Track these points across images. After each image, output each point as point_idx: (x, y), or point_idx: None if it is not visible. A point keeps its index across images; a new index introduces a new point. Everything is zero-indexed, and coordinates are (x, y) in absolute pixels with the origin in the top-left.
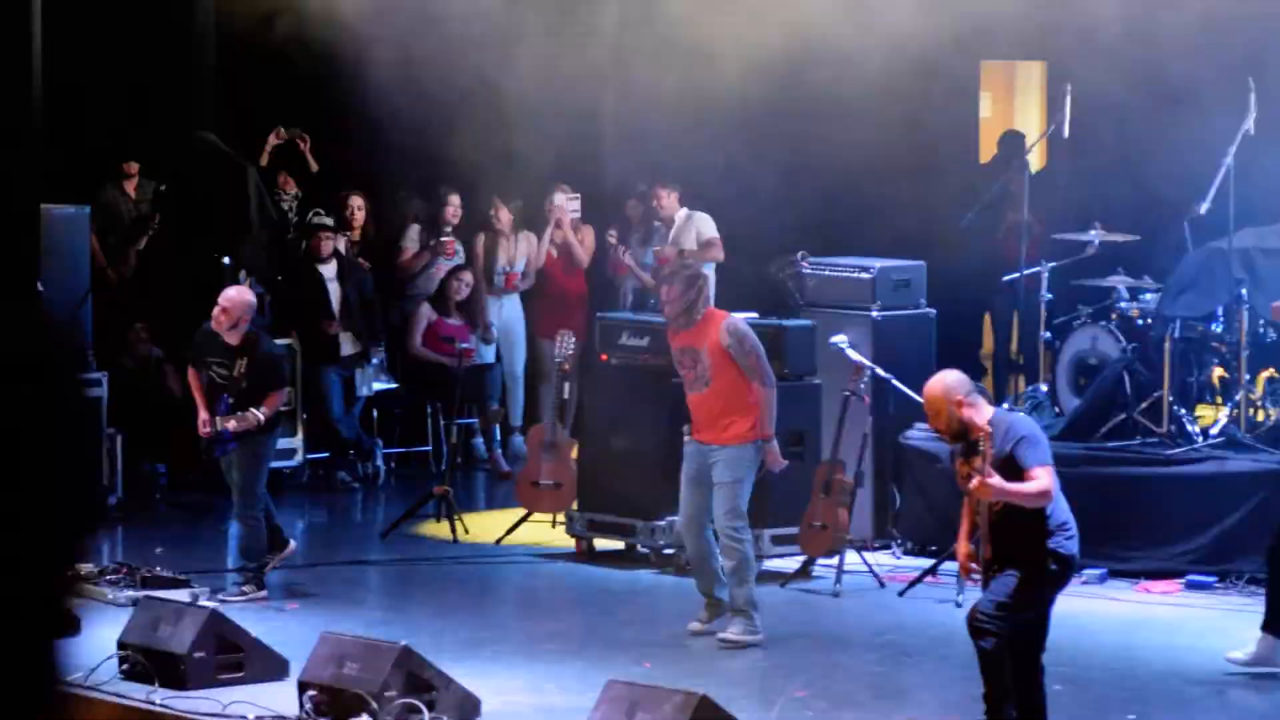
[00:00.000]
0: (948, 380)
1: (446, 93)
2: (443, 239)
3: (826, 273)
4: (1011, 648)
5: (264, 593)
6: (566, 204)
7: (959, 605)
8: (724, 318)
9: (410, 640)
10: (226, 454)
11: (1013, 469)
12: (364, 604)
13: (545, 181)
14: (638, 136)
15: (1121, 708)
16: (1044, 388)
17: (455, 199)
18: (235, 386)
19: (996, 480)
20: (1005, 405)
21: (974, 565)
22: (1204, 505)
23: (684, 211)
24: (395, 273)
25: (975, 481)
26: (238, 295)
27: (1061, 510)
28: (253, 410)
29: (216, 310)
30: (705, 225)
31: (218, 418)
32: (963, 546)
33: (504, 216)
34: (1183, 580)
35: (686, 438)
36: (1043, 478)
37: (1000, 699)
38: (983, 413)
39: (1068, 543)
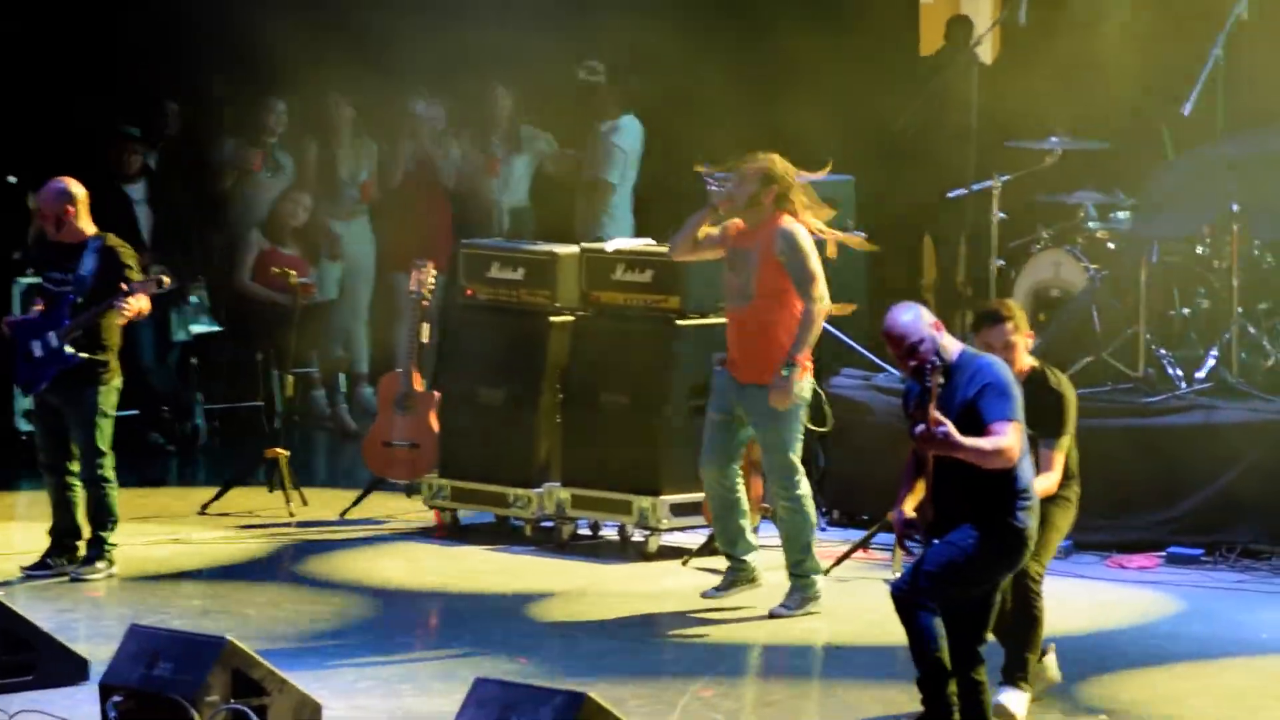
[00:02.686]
0: (910, 313)
1: None
2: (249, 150)
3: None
4: (948, 632)
5: (116, 568)
6: (427, 113)
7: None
8: (783, 221)
9: (237, 634)
10: (49, 382)
11: (974, 421)
12: (181, 591)
13: (397, 82)
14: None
15: (1092, 705)
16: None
17: (280, 105)
18: (82, 287)
19: (948, 429)
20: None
21: (914, 531)
22: (1188, 464)
23: (620, 121)
24: (211, 194)
25: (921, 428)
26: (48, 188)
27: (1024, 474)
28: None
29: (36, 216)
30: (606, 158)
31: (53, 333)
32: (904, 509)
33: (345, 115)
34: (1163, 554)
35: (717, 367)
36: (1007, 434)
37: (937, 683)
38: (949, 347)
39: (1023, 514)
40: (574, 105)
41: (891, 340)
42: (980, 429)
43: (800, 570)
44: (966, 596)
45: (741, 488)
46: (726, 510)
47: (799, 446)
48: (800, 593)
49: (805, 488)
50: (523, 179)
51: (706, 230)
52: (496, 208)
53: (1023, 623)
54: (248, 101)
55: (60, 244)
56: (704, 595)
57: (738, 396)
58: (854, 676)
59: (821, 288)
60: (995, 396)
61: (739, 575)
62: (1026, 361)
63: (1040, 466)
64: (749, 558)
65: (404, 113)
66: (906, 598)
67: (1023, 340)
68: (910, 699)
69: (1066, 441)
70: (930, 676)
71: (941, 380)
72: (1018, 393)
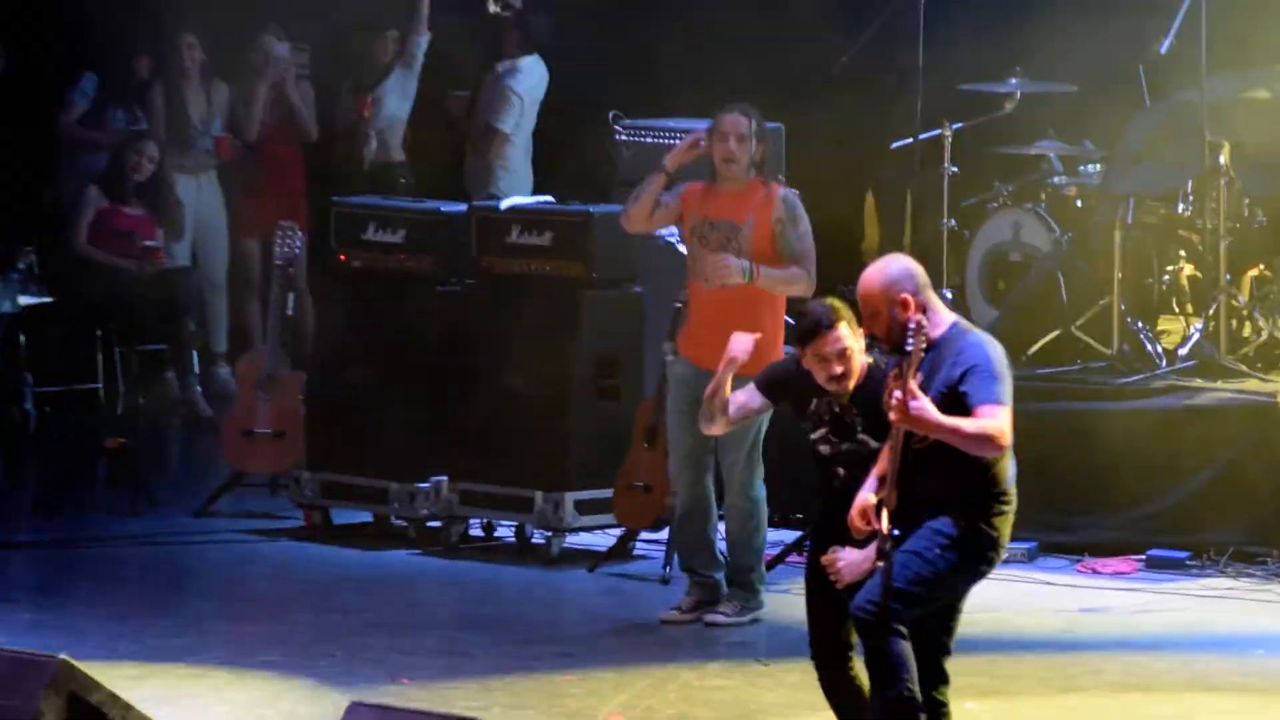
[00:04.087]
0: (891, 270)
1: None
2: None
3: (649, 140)
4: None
5: None
6: (292, 55)
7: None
8: (779, 187)
9: (73, 651)
10: None
11: (958, 407)
12: (8, 601)
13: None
14: None
15: None
16: (949, 294)
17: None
18: None
19: (922, 404)
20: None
21: (866, 521)
22: (1170, 454)
23: (520, 63)
24: (56, 138)
25: (894, 399)
26: None
27: (1005, 474)
28: None
29: None
30: (500, 103)
31: None
32: (864, 496)
33: (197, 56)
34: (1142, 557)
35: (670, 357)
36: (995, 418)
37: (904, 710)
38: (936, 318)
39: (997, 520)
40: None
41: (867, 303)
42: (965, 415)
43: (748, 580)
44: (930, 611)
45: (712, 497)
46: (700, 522)
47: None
48: (743, 601)
49: (763, 489)
50: (395, 97)
51: (656, 198)
52: (368, 141)
53: None
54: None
55: None
56: (661, 618)
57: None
58: (787, 697)
59: (813, 267)
60: (983, 378)
61: (706, 593)
62: (862, 360)
63: None
64: (717, 575)
65: (259, 54)
66: (878, 620)
67: (858, 342)
68: None
69: None
70: (903, 711)
71: (925, 345)
72: (1009, 375)
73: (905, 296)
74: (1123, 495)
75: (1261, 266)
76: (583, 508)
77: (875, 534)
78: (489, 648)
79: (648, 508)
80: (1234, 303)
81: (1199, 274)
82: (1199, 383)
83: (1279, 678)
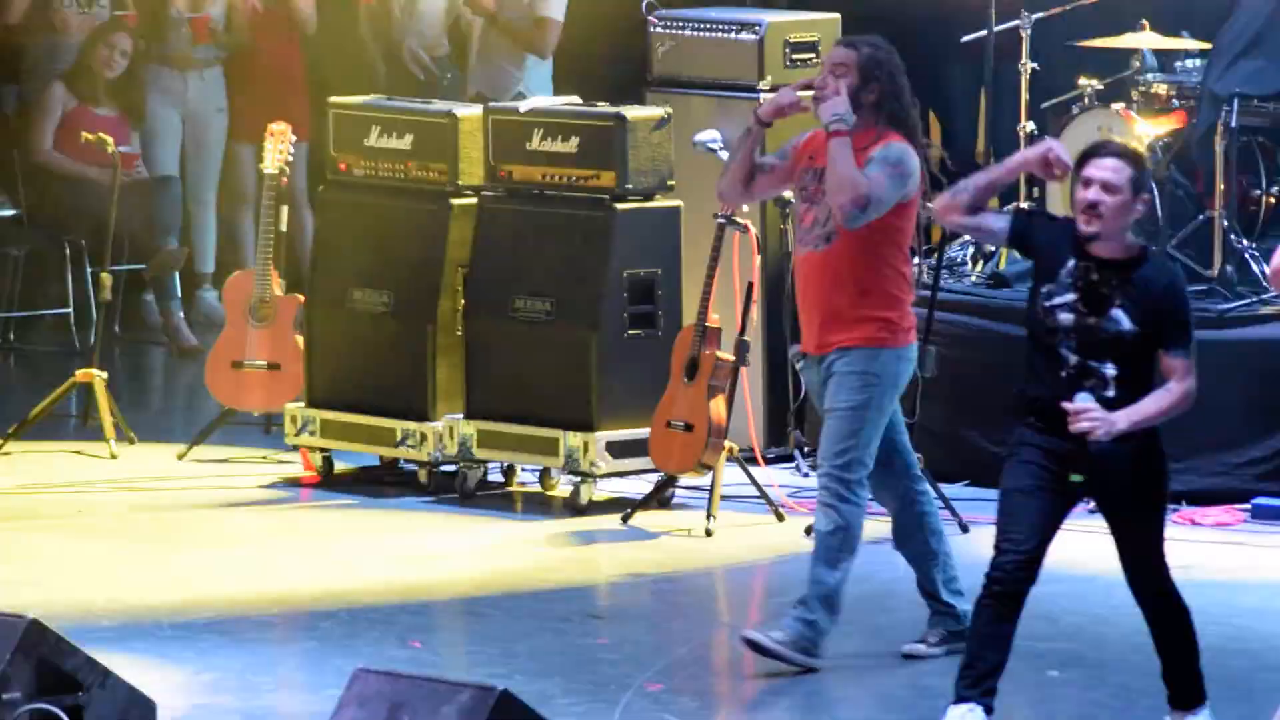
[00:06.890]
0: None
1: None
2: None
3: (689, 32)
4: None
5: None
6: None
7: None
8: (895, 138)
9: (42, 612)
10: None
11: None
12: None
13: None
14: None
15: (1154, 707)
16: (1026, 206)
17: None
18: None
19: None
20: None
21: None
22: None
23: None
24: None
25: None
26: None
27: None
28: None
29: None
30: None
31: None
32: None
33: None
34: (1246, 506)
35: (794, 352)
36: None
37: None
38: None
39: None
40: None
41: None
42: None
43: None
44: None
45: (926, 498)
46: (910, 534)
47: (877, 437)
48: (800, 625)
49: (865, 492)
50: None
51: (752, 158)
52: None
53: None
54: None
55: None
56: (906, 653)
57: (824, 377)
58: (850, 664)
59: (878, 191)
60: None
61: (948, 628)
62: (1130, 234)
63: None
64: (957, 603)
65: None
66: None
67: (1134, 202)
68: (918, 694)
69: None
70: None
71: None
72: None
73: None
74: (1225, 436)
75: None
76: (615, 450)
77: None
78: (510, 608)
79: (688, 450)
80: None
81: None
82: None
83: None
